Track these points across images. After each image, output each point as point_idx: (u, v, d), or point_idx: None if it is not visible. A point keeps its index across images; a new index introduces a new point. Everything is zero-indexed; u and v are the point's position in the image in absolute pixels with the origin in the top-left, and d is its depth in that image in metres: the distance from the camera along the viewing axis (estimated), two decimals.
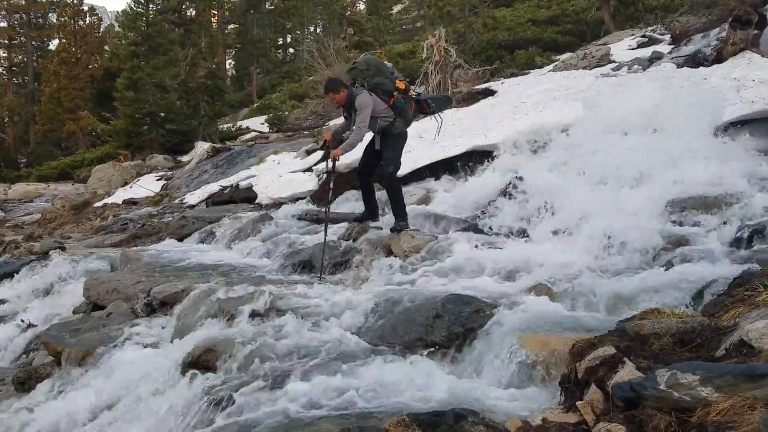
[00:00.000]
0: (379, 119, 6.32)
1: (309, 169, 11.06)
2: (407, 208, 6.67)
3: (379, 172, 6.73)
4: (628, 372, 2.57)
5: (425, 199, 8.04)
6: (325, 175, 8.87)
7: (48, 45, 44.66)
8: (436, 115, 6.75)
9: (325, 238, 6.15)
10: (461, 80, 14.36)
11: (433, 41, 13.68)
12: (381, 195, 7.17)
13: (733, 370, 2.27)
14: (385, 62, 6.77)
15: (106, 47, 36.99)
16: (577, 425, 2.61)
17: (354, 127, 6.25)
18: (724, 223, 5.06)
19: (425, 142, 9.87)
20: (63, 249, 8.28)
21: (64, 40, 35.30)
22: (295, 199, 9.96)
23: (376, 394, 3.25)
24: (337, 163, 6.43)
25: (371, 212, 6.92)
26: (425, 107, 6.64)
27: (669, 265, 4.49)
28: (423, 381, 3.41)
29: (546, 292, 4.46)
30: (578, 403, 2.69)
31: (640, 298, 4.01)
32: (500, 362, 3.45)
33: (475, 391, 3.25)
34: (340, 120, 7.00)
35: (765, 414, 2.00)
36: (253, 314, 4.72)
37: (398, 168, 6.64)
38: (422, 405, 3.04)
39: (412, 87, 6.78)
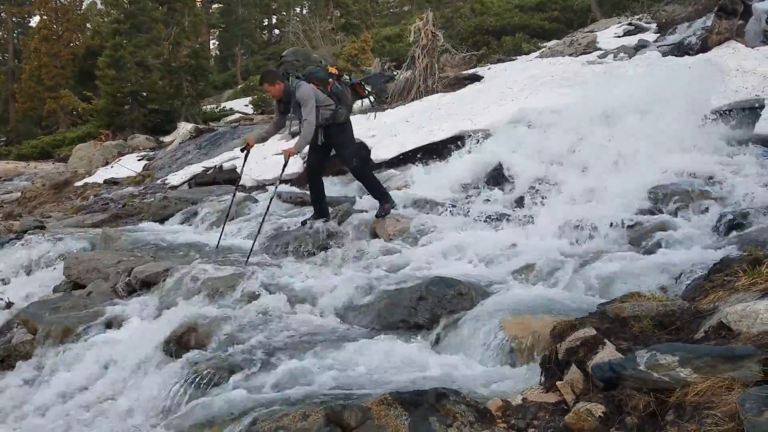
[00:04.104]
0: (322, 109, 6.02)
1: None
2: (394, 192, 6.64)
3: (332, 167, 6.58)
4: (608, 353, 2.59)
5: (410, 183, 8.03)
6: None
7: (29, 22, 43.69)
8: (371, 98, 6.63)
9: (259, 230, 6.17)
10: (448, 65, 14.31)
11: (421, 25, 13.57)
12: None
13: (711, 351, 2.30)
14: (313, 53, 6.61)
15: (88, 25, 36.29)
16: (557, 405, 2.64)
17: (303, 122, 5.93)
18: (705, 210, 5.12)
19: (411, 126, 9.86)
20: (43, 228, 8.18)
21: (45, 17, 34.59)
22: (281, 182, 9.88)
23: (359, 374, 3.26)
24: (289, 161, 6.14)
25: (321, 213, 6.52)
26: (360, 91, 6.44)
27: (650, 250, 4.54)
28: (406, 361, 3.43)
29: (528, 276, 4.50)
30: (558, 383, 2.71)
31: (621, 283, 4.05)
32: (482, 343, 3.48)
33: (457, 372, 3.27)
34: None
35: (743, 395, 2.03)
36: (236, 295, 4.71)
37: (360, 158, 6.40)
38: (405, 384, 3.06)
39: (344, 73, 6.53)
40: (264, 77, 6.29)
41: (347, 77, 6.46)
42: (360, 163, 6.44)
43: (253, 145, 6.40)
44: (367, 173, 6.52)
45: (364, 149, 8.90)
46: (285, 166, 6.20)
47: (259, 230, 6.17)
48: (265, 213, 6.33)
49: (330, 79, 6.15)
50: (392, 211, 6.34)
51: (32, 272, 6.78)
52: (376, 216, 6.34)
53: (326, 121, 6.13)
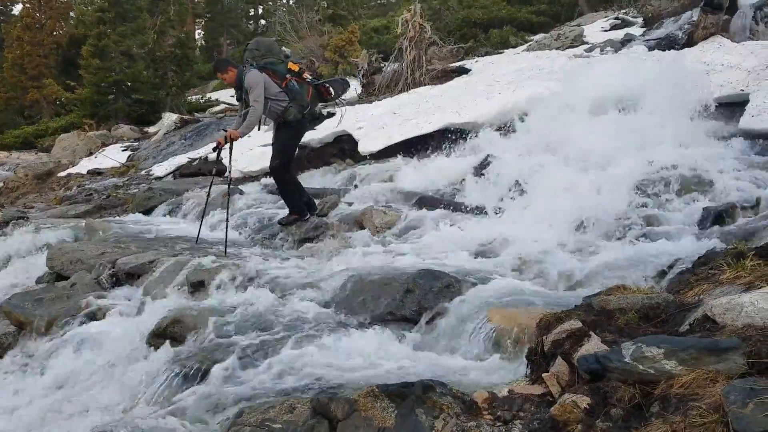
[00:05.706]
0: (272, 102, 5.88)
1: None
2: (381, 185, 6.60)
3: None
4: (593, 345, 2.60)
5: (398, 176, 8.01)
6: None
7: (11, 10, 42.97)
8: (338, 101, 6.45)
9: (227, 219, 6.11)
10: (435, 57, 14.27)
11: (409, 16, 13.53)
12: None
13: (696, 344, 2.31)
14: (283, 48, 6.33)
15: (71, 13, 35.77)
16: (543, 397, 2.65)
17: (250, 107, 5.80)
18: (690, 203, 5.15)
19: (399, 118, 9.83)
20: (26, 219, 8.08)
21: (28, 5, 34.03)
22: (265, 173, 9.83)
23: (346, 366, 3.25)
24: (235, 143, 6.00)
25: (308, 206, 6.47)
26: (325, 93, 6.19)
27: (635, 243, 4.57)
28: (392, 353, 3.43)
29: (515, 269, 4.51)
30: (544, 375, 2.72)
31: (607, 275, 4.07)
32: (469, 336, 3.49)
33: (444, 364, 3.28)
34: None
35: (727, 387, 2.04)
36: (222, 286, 4.68)
37: (284, 162, 6.14)
38: (391, 376, 3.05)
39: (306, 72, 6.20)
40: (215, 66, 6.27)
41: (309, 77, 6.16)
42: (281, 167, 6.14)
43: (223, 144, 6.19)
44: (283, 179, 6.22)
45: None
46: (231, 150, 6.08)
47: (227, 220, 6.11)
48: (228, 202, 6.31)
49: (288, 75, 5.97)
50: (376, 204, 6.31)
51: (14, 263, 6.70)
52: (278, 222, 6.32)
53: (277, 117, 6.01)
